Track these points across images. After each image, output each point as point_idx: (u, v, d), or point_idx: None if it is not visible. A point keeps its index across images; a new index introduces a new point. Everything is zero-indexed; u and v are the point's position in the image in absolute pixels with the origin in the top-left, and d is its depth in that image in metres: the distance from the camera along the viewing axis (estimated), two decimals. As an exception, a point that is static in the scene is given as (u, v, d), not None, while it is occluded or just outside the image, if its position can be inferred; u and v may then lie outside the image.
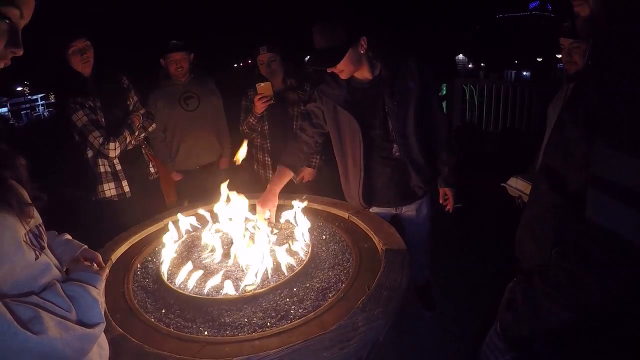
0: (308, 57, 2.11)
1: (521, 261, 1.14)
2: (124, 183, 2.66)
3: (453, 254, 3.21)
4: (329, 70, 1.98)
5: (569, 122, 0.95)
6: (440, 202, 2.44)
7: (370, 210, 2.27)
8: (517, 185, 2.23)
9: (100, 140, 2.50)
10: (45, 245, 0.93)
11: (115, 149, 2.53)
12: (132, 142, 2.68)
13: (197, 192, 2.95)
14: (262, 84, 2.64)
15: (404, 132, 2.09)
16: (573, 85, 1.03)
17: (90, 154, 2.60)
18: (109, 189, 2.63)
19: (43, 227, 0.94)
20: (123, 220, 2.29)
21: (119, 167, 2.65)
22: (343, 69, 1.94)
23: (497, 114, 6.79)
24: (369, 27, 2.00)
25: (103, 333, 0.97)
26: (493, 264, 2.83)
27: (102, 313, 0.90)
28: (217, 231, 1.93)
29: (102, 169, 2.61)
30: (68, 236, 1.21)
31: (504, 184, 2.34)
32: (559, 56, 2.11)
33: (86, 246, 1.20)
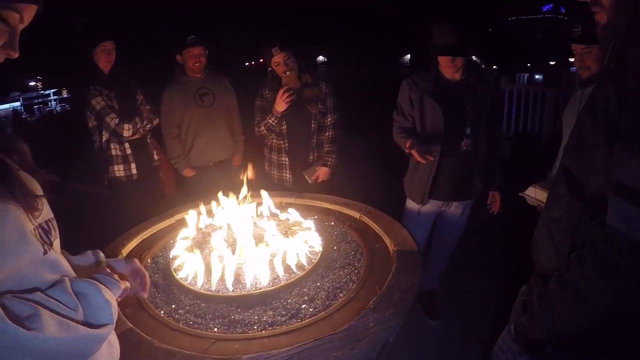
0: (433, 48, 2.29)
1: (537, 264, 1.12)
2: (133, 166, 2.97)
3: (460, 259, 3.19)
4: (450, 64, 2.26)
5: (588, 125, 0.94)
6: (488, 203, 2.59)
7: (422, 208, 2.52)
8: (536, 196, 2.20)
9: (117, 121, 2.81)
10: (55, 241, 0.91)
11: (129, 130, 2.84)
12: (141, 130, 2.94)
13: (210, 189, 2.96)
14: (288, 73, 2.62)
15: (476, 130, 2.36)
16: (593, 88, 1.01)
17: (104, 137, 2.88)
18: (119, 170, 2.94)
19: (54, 222, 0.92)
20: (129, 198, 2.90)
21: (129, 152, 2.94)
22: (461, 62, 2.27)
23: (509, 118, 6.73)
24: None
25: (114, 331, 0.96)
26: (502, 267, 2.81)
27: (114, 315, 0.87)
28: (229, 229, 1.92)
29: (113, 152, 2.91)
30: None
31: (523, 194, 2.32)
32: (572, 60, 2.08)
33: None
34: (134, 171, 2.97)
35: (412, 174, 2.54)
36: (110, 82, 2.87)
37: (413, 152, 2.27)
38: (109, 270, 1.01)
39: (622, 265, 0.80)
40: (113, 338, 1.00)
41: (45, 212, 0.90)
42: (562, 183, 1.01)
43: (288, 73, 2.62)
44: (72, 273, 0.93)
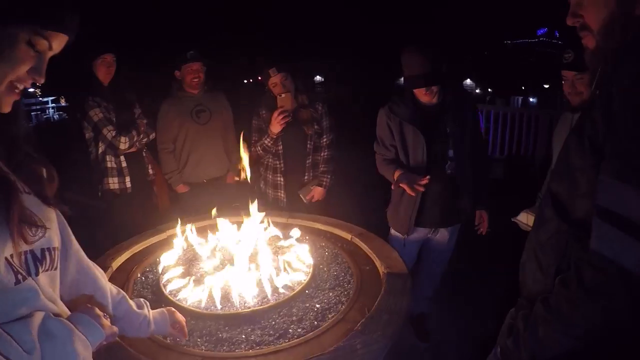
0: (406, 79, 2.26)
1: (524, 287, 1.12)
2: (127, 179, 2.98)
3: (452, 280, 3.18)
4: (424, 92, 2.24)
5: (574, 150, 0.95)
6: (476, 223, 2.56)
7: (408, 237, 2.45)
8: (528, 221, 2.22)
9: (113, 133, 2.84)
10: (47, 272, 0.86)
11: (125, 142, 2.87)
12: (137, 143, 2.98)
13: (203, 205, 2.96)
14: (284, 94, 2.63)
15: (460, 152, 2.33)
16: (580, 113, 1.03)
17: (100, 149, 2.90)
18: (113, 183, 2.95)
19: (54, 252, 0.89)
20: (122, 211, 2.91)
21: (124, 165, 2.97)
22: (436, 88, 2.25)
23: (503, 140, 6.81)
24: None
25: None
26: (492, 291, 2.80)
27: None
28: (220, 248, 1.92)
29: (109, 165, 2.93)
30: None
31: (515, 219, 2.33)
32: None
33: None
34: (129, 184, 2.98)
35: (396, 204, 2.47)
36: (109, 95, 2.89)
37: (403, 185, 2.22)
38: (99, 311, 0.93)
39: (607, 289, 0.82)
40: None
41: (46, 240, 0.87)
42: (549, 207, 1.02)
43: (283, 95, 2.64)
44: (53, 307, 0.86)
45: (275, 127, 2.67)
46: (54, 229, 0.91)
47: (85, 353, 0.82)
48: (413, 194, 2.21)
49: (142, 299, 1.23)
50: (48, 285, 0.88)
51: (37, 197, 0.89)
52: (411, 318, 2.80)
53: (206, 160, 3.21)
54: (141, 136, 3.00)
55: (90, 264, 1.12)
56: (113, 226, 2.86)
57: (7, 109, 0.84)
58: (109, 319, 0.95)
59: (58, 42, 0.86)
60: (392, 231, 2.54)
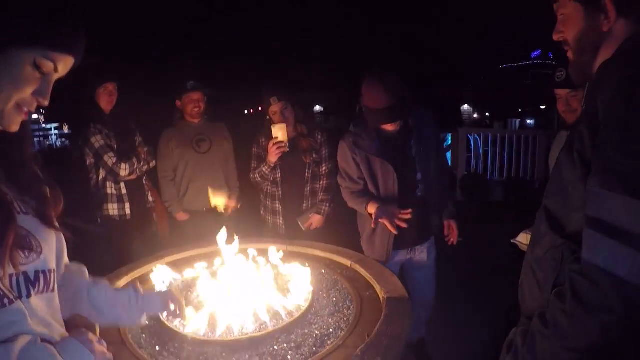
0: (370, 112, 2.17)
1: (523, 304, 1.12)
2: (127, 206, 3.01)
3: (453, 303, 3.15)
4: (390, 126, 2.20)
5: (566, 164, 0.97)
6: (445, 233, 2.54)
7: (388, 263, 2.34)
8: (527, 242, 2.20)
9: (114, 160, 2.87)
10: (39, 295, 0.85)
11: (125, 169, 2.90)
12: (137, 171, 3.01)
13: (202, 233, 2.96)
14: (277, 126, 2.65)
15: (427, 173, 2.33)
16: (571, 129, 1.07)
17: (101, 175, 2.94)
18: (112, 209, 2.97)
19: (50, 275, 0.88)
20: (121, 237, 2.94)
21: (124, 191, 3.00)
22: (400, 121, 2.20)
23: (502, 163, 6.84)
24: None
25: None
26: (494, 313, 2.77)
27: None
28: (217, 274, 1.91)
29: (109, 191, 2.96)
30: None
31: (514, 241, 2.32)
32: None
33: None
34: (128, 211, 3.00)
35: (370, 235, 2.42)
36: (111, 122, 2.95)
37: (383, 221, 2.18)
38: (92, 336, 0.92)
39: (601, 299, 0.82)
40: None
41: (41, 262, 0.86)
42: (544, 222, 1.04)
43: (277, 126, 2.65)
44: (37, 330, 0.84)
45: (272, 156, 2.69)
46: (50, 250, 0.91)
47: None
48: (394, 231, 2.18)
49: (131, 284, 1.25)
50: (44, 308, 0.87)
51: (38, 218, 0.89)
52: (410, 345, 2.74)
53: (206, 188, 3.21)
54: (142, 163, 3.03)
55: (74, 268, 1.13)
56: (112, 252, 2.86)
57: (14, 128, 0.85)
58: (104, 344, 0.93)
59: (64, 65, 0.87)
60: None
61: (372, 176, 2.33)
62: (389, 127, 2.24)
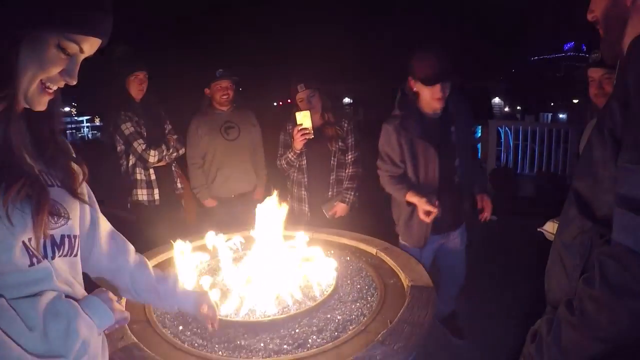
0: (424, 79, 2.22)
1: (549, 292, 1.07)
2: (156, 191, 3.05)
3: (481, 292, 3.14)
4: (439, 94, 2.20)
5: (596, 144, 0.93)
6: (478, 207, 2.54)
7: (424, 248, 2.43)
8: (554, 230, 2.15)
9: (144, 146, 2.93)
10: (63, 258, 0.90)
11: (154, 156, 2.96)
12: (166, 157, 3.05)
13: (230, 220, 3.00)
14: (301, 112, 2.65)
15: (464, 160, 2.39)
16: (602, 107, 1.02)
17: (130, 162, 2.99)
18: (142, 194, 3.03)
19: (74, 240, 0.93)
20: (150, 222, 2.92)
21: (153, 177, 3.04)
22: (447, 91, 2.23)
23: (532, 157, 6.66)
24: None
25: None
26: (516, 303, 2.74)
27: (74, 348, 0.83)
28: (244, 257, 1.93)
29: (138, 177, 3.02)
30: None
31: (541, 229, 2.26)
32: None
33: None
34: (157, 196, 3.06)
35: (407, 220, 2.43)
36: (141, 110, 3.01)
37: (421, 214, 2.25)
38: (112, 295, 0.97)
39: (631, 284, 0.76)
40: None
41: (67, 228, 0.91)
42: (572, 205, 0.99)
43: (301, 113, 2.65)
44: (72, 292, 0.91)
45: (297, 143, 2.70)
46: (75, 218, 0.96)
47: (89, 334, 0.86)
48: (428, 221, 2.25)
49: (172, 273, 1.28)
50: (66, 269, 0.92)
51: (65, 189, 0.94)
52: (442, 318, 2.81)
53: (235, 175, 3.26)
54: (170, 151, 3.08)
55: (116, 243, 1.17)
56: (141, 236, 2.93)
57: (40, 107, 0.88)
58: (123, 303, 0.97)
59: (89, 45, 0.88)
60: (404, 245, 2.48)
61: (413, 159, 2.34)
62: (437, 104, 2.24)
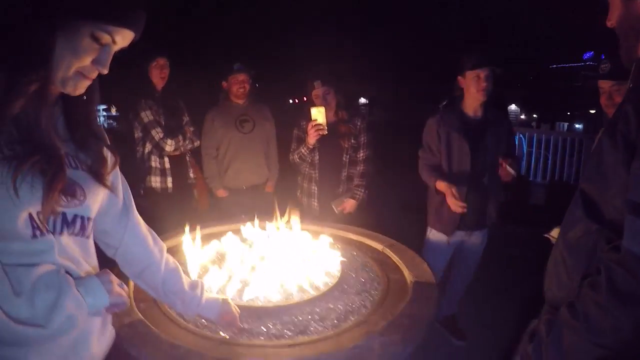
0: (474, 64, 2.42)
1: (548, 292, 1.07)
2: (169, 179, 3.12)
3: (484, 296, 3.17)
4: (483, 84, 2.41)
5: (607, 147, 0.91)
6: (500, 161, 2.54)
7: (450, 238, 2.63)
8: None
9: (161, 135, 3.01)
10: (70, 237, 0.94)
11: (171, 145, 3.03)
12: (182, 148, 3.13)
13: (241, 210, 3.05)
14: (316, 108, 2.68)
15: (494, 163, 2.50)
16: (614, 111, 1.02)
17: (147, 149, 3.07)
18: (155, 181, 3.10)
19: (86, 222, 0.97)
20: (162, 209, 2.98)
21: (167, 165, 3.11)
22: (489, 81, 2.43)
23: (545, 165, 6.61)
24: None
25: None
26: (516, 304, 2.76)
27: (56, 322, 0.85)
28: (252, 247, 1.97)
29: (153, 164, 3.09)
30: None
31: (547, 235, 2.26)
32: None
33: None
34: (170, 184, 3.12)
35: (439, 208, 2.60)
36: (161, 100, 3.07)
37: (449, 200, 2.39)
38: (113, 278, 0.99)
39: (637, 292, 0.76)
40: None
41: (82, 209, 0.95)
42: (579, 206, 0.98)
43: (315, 109, 2.68)
44: (76, 270, 0.94)
45: (310, 138, 2.73)
46: (94, 202, 0.98)
47: (77, 311, 0.88)
48: (459, 210, 2.40)
49: (199, 280, 1.32)
50: (74, 248, 0.95)
51: (90, 174, 0.98)
52: (444, 319, 2.92)
53: (247, 168, 3.31)
54: (186, 142, 3.14)
55: (149, 239, 1.22)
56: (153, 223, 2.98)
57: (78, 92, 0.92)
58: (125, 288, 1.00)
59: (121, 37, 0.91)
60: (433, 232, 2.71)
61: (448, 151, 2.54)
62: (479, 96, 2.43)
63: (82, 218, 0.96)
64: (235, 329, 1.31)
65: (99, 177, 1.00)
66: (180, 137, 3.09)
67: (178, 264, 1.28)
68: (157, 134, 3.00)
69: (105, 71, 0.92)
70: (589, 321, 0.84)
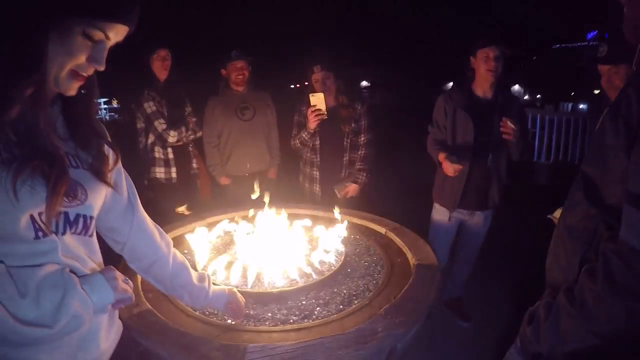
0: (485, 41, 2.44)
1: (548, 273, 1.07)
2: (173, 170, 3.13)
3: (487, 278, 3.19)
4: (491, 65, 2.42)
5: (609, 131, 0.89)
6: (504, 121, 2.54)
7: (452, 214, 2.68)
8: None
9: (164, 126, 3.01)
10: (72, 236, 0.93)
11: (174, 136, 3.04)
12: (184, 139, 3.13)
13: (244, 197, 3.07)
14: (315, 95, 2.67)
15: (500, 146, 2.51)
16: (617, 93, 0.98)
17: (150, 140, 3.06)
18: (159, 172, 3.11)
19: (89, 221, 0.96)
20: (166, 200, 3.04)
21: (171, 156, 3.12)
22: (499, 61, 2.44)
23: (549, 146, 6.58)
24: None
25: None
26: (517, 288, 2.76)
27: (60, 322, 0.84)
28: (255, 234, 1.99)
29: (157, 155, 3.10)
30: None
31: (550, 216, 2.27)
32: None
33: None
34: (174, 175, 3.13)
35: (442, 183, 2.67)
36: (164, 91, 3.07)
37: (444, 164, 2.44)
38: (118, 274, 0.98)
39: (632, 284, 0.76)
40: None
41: (84, 208, 0.94)
42: (580, 190, 0.97)
43: (315, 94, 2.68)
44: (81, 268, 0.94)
45: (310, 123, 2.73)
46: (96, 201, 0.98)
47: (83, 310, 0.88)
48: (451, 174, 2.45)
49: (205, 272, 1.33)
50: (78, 247, 0.95)
51: (91, 172, 0.97)
52: (450, 301, 2.98)
53: (249, 155, 3.32)
54: (189, 132, 3.15)
55: (156, 234, 1.22)
56: (157, 213, 3.01)
57: (71, 92, 0.90)
58: (130, 283, 1.00)
59: (115, 33, 0.89)
60: (435, 211, 2.77)
61: (453, 127, 2.57)
62: (490, 75, 2.44)
63: (85, 217, 0.95)
64: (241, 316, 1.33)
65: (100, 175, 0.99)
66: (183, 128, 3.10)
67: (185, 258, 1.29)
68: (160, 125, 3.01)
69: (102, 68, 0.90)
70: (585, 309, 0.84)
